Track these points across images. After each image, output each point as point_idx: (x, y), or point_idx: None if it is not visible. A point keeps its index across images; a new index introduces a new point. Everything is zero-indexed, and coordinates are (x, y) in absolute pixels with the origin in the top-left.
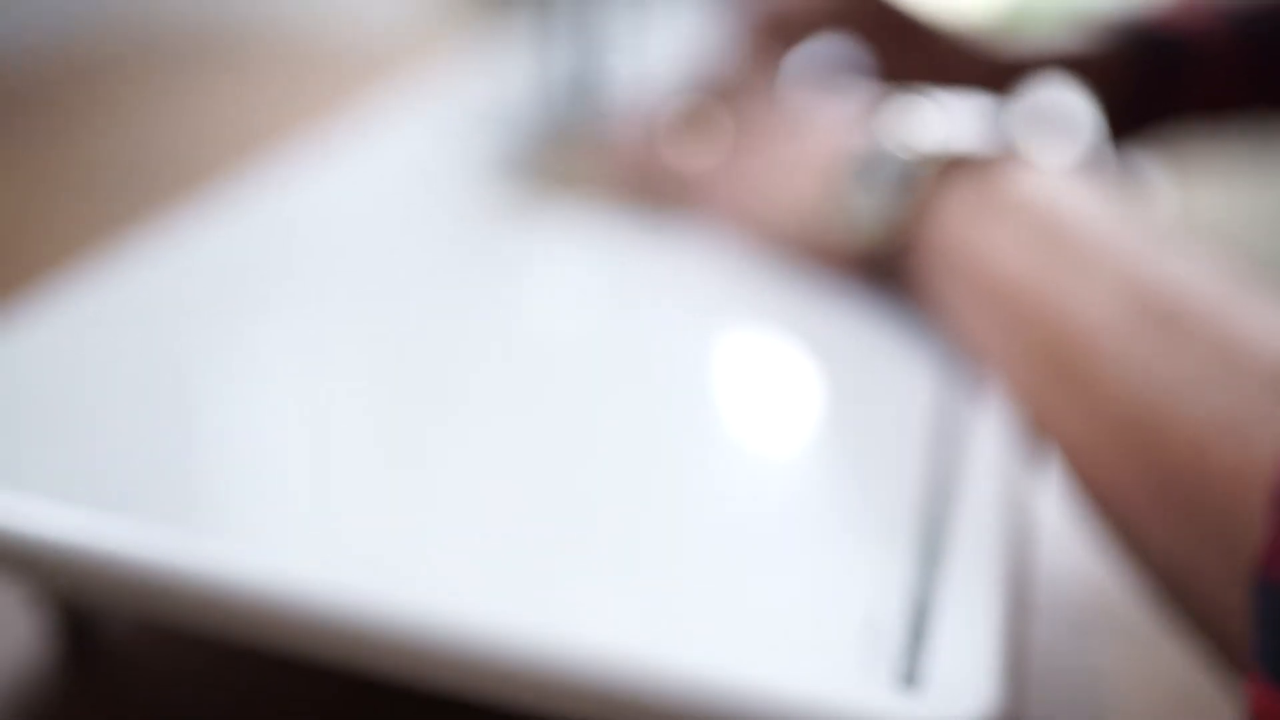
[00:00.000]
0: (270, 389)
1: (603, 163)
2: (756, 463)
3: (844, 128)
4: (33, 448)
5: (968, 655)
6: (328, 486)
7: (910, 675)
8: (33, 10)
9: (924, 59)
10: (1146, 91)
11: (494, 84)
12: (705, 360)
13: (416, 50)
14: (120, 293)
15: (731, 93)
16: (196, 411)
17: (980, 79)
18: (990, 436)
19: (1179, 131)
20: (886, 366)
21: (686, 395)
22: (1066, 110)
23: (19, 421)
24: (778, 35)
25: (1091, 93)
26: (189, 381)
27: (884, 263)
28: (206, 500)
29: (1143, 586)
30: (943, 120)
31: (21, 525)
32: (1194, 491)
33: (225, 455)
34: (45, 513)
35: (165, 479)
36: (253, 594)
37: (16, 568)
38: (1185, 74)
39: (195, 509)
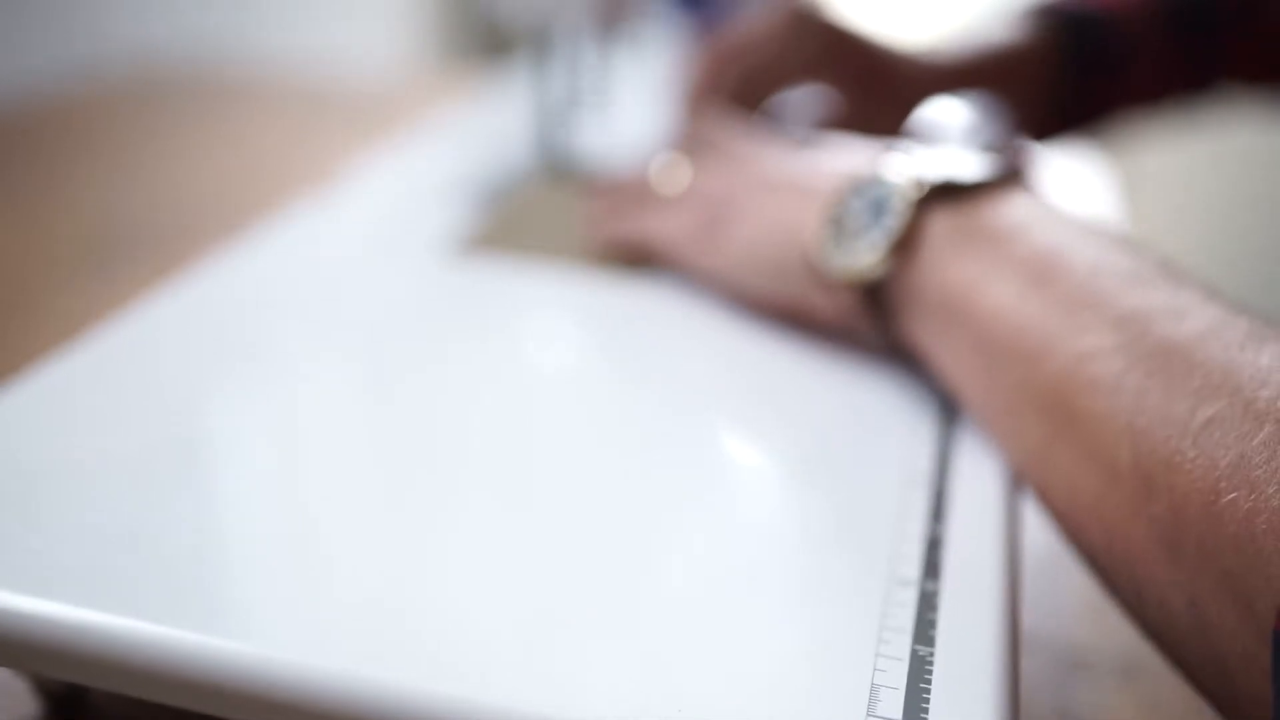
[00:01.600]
0: (259, 470)
1: (581, 220)
2: (750, 529)
3: (819, 169)
4: (11, 536)
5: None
6: (320, 570)
7: None
8: (21, 52)
9: (886, 88)
10: (1079, 70)
11: (483, 129)
12: (697, 427)
13: (412, 91)
14: (106, 369)
15: (701, 148)
16: (182, 495)
17: (933, 87)
18: (980, 485)
19: (1118, 123)
20: (876, 424)
21: (678, 465)
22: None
23: None
24: (751, 88)
25: (1025, 82)
26: (174, 463)
27: (866, 301)
28: (199, 589)
29: (1148, 637)
30: (923, 152)
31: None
32: (1205, 538)
33: (213, 540)
34: (28, 606)
35: (155, 568)
36: (245, 682)
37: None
38: (1113, 50)
39: (189, 598)
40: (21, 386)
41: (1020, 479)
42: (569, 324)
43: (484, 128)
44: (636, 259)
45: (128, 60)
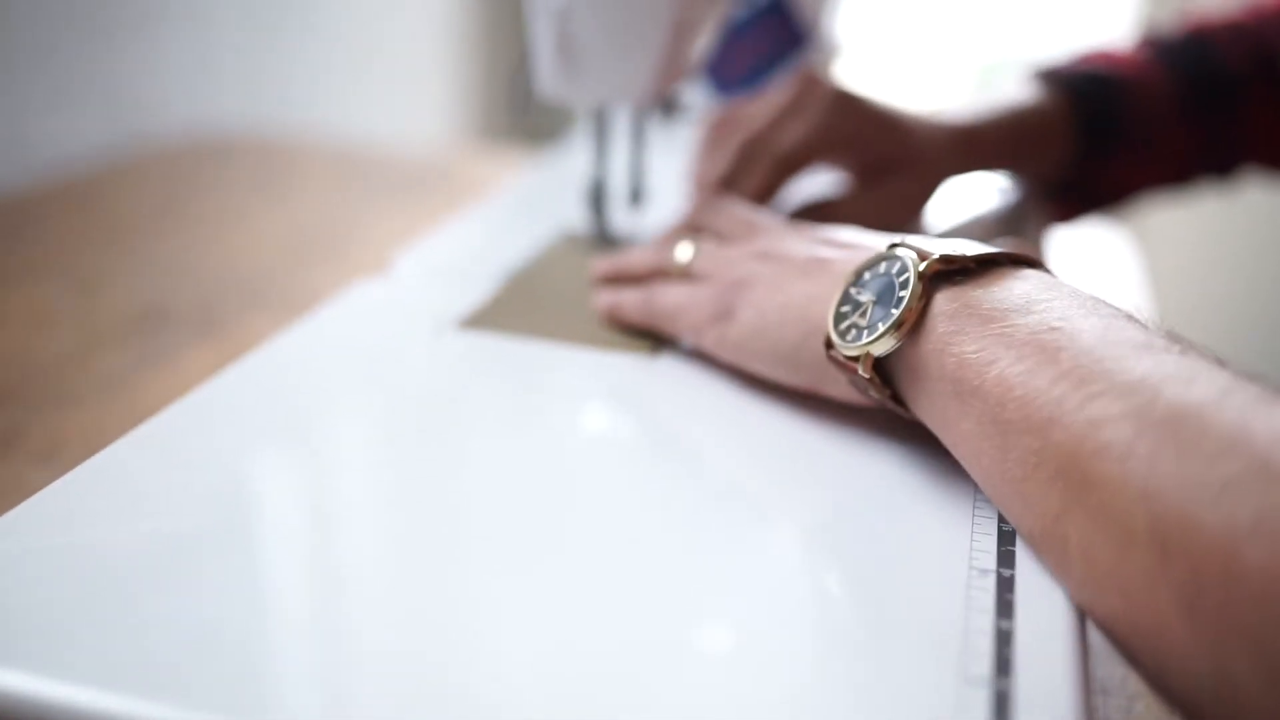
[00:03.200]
0: (306, 556)
1: (593, 298)
2: (808, 622)
3: (829, 251)
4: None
5: None
6: (353, 657)
7: None
8: (78, 119)
9: (903, 156)
10: (1092, 130)
11: (528, 206)
12: (745, 510)
13: (459, 165)
14: (159, 452)
15: (712, 230)
16: (233, 581)
17: (949, 153)
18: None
19: (1138, 201)
20: (932, 507)
21: (728, 551)
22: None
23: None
24: (777, 169)
25: (1040, 142)
26: (225, 547)
27: (877, 379)
28: (235, 680)
29: (1172, 706)
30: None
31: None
32: (1228, 599)
33: (242, 629)
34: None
35: (218, 660)
36: None
37: None
38: (1126, 107)
39: (225, 690)
40: (79, 471)
41: (1034, 550)
42: (598, 401)
43: (530, 205)
44: (649, 335)
45: (182, 131)
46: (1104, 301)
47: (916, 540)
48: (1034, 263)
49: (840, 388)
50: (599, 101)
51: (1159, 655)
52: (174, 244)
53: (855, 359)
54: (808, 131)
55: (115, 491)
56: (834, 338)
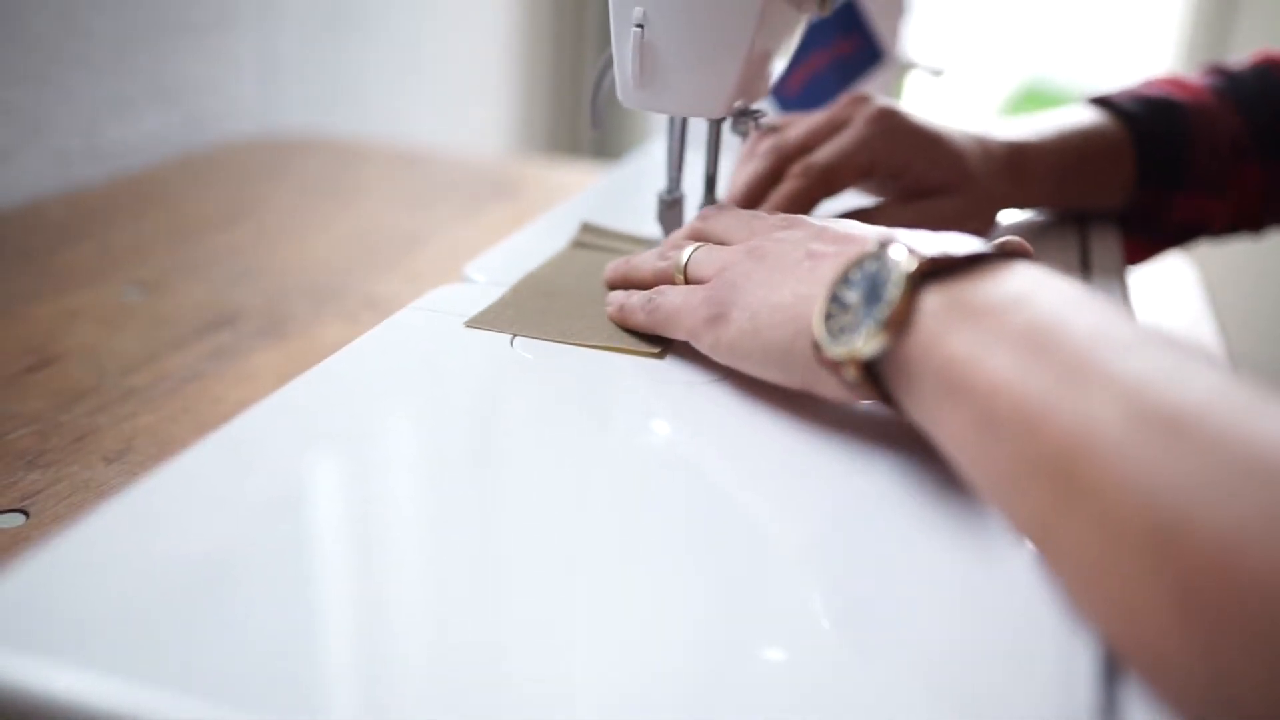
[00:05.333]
0: (383, 567)
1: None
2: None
3: (822, 252)
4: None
5: None
6: (409, 671)
7: None
8: (152, 117)
9: (948, 179)
10: (1155, 159)
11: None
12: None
13: (524, 175)
14: (231, 462)
15: (713, 234)
16: (283, 600)
17: (1000, 176)
18: None
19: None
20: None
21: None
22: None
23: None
24: (810, 182)
25: (1099, 167)
26: (300, 557)
27: (868, 379)
28: (294, 688)
29: (1171, 706)
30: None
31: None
32: (1227, 604)
33: (304, 641)
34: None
35: (254, 670)
36: None
37: None
38: (1192, 138)
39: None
40: (151, 479)
41: (1028, 547)
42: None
43: (602, 215)
44: (658, 338)
45: (251, 133)
46: (1094, 297)
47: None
48: (1024, 256)
49: (832, 388)
50: (677, 112)
51: (1153, 656)
52: (243, 245)
53: (844, 360)
54: (845, 146)
55: (186, 499)
56: (822, 339)
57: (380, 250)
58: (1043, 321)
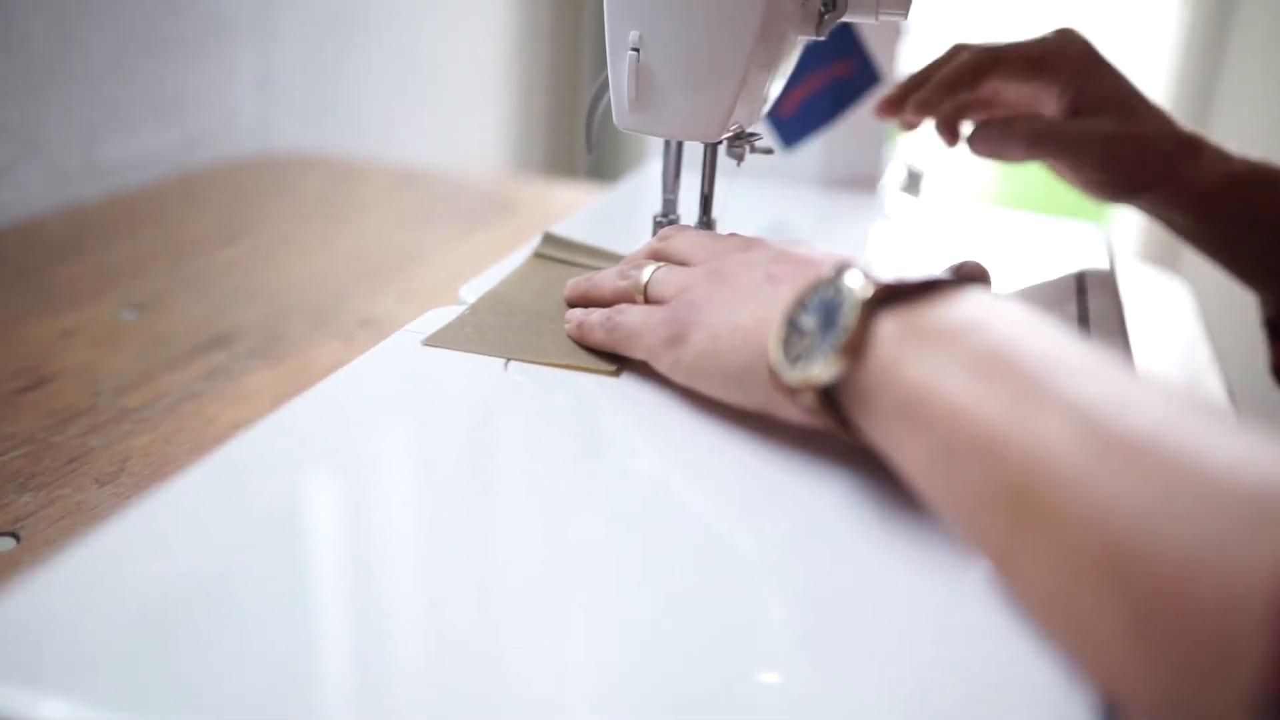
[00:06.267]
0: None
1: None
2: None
3: (780, 276)
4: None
5: None
6: (405, 698)
7: None
8: (151, 133)
9: (1116, 100)
10: None
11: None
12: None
13: (521, 195)
14: (227, 485)
15: (674, 254)
16: (277, 625)
17: (1168, 136)
18: None
19: None
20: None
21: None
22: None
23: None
24: (975, 61)
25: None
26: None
27: (826, 405)
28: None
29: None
30: (890, 251)
31: None
32: (1181, 626)
33: (298, 669)
34: None
35: (251, 697)
36: None
37: None
38: None
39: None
40: (145, 502)
41: (994, 578)
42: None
43: (596, 238)
44: (615, 356)
45: (247, 151)
46: (1048, 321)
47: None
48: (980, 280)
49: (790, 411)
50: (672, 135)
51: (1114, 680)
52: (239, 263)
53: (800, 386)
54: (1022, 40)
55: (179, 522)
56: (779, 365)
57: (376, 269)
58: (997, 346)
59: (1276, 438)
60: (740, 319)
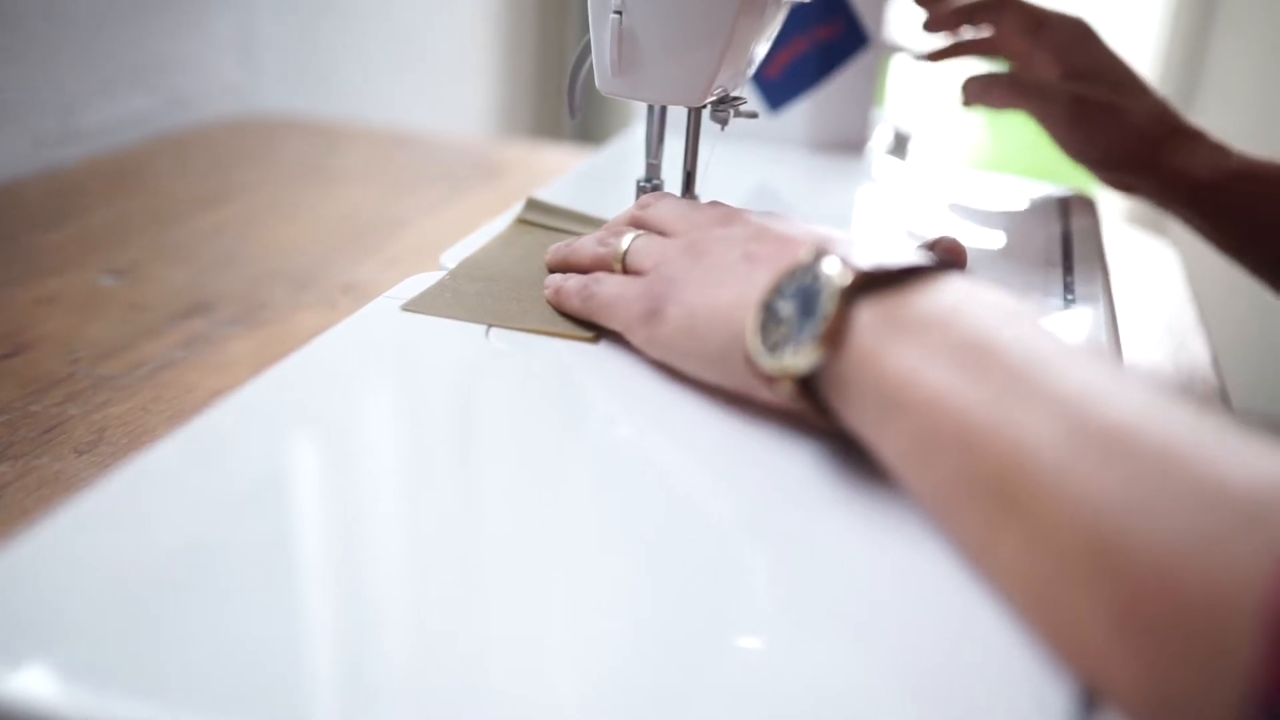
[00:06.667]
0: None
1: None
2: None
3: (760, 257)
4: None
5: None
6: (386, 670)
7: None
8: (128, 97)
9: (1105, 71)
10: None
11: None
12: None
13: (507, 158)
14: (206, 456)
15: (656, 224)
16: (256, 598)
17: (1162, 115)
18: None
19: None
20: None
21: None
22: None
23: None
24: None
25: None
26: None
27: (805, 393)
28: (268, 690)
29: (1113, 711)
30: (855, 240)
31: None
32: (1167, 620)
33: (278, 641)
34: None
35: (228, 672)
36: None
37: None
38: None
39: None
40: (123, 472)
41: (968, 563)
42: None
43: (581, 202)
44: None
45: (228, 114)
46: (1030, 308)
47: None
48: (957, 260)
49: (769, 394)
50: (656, 100)
51: (1096, 672)
52: (221, 229)
53: (778, 376)
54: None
55: (158, 493)
56: (756, 353)
57: (360, 234)
58: (977, 336)
59: (1261, 432)
60: (718, 299)
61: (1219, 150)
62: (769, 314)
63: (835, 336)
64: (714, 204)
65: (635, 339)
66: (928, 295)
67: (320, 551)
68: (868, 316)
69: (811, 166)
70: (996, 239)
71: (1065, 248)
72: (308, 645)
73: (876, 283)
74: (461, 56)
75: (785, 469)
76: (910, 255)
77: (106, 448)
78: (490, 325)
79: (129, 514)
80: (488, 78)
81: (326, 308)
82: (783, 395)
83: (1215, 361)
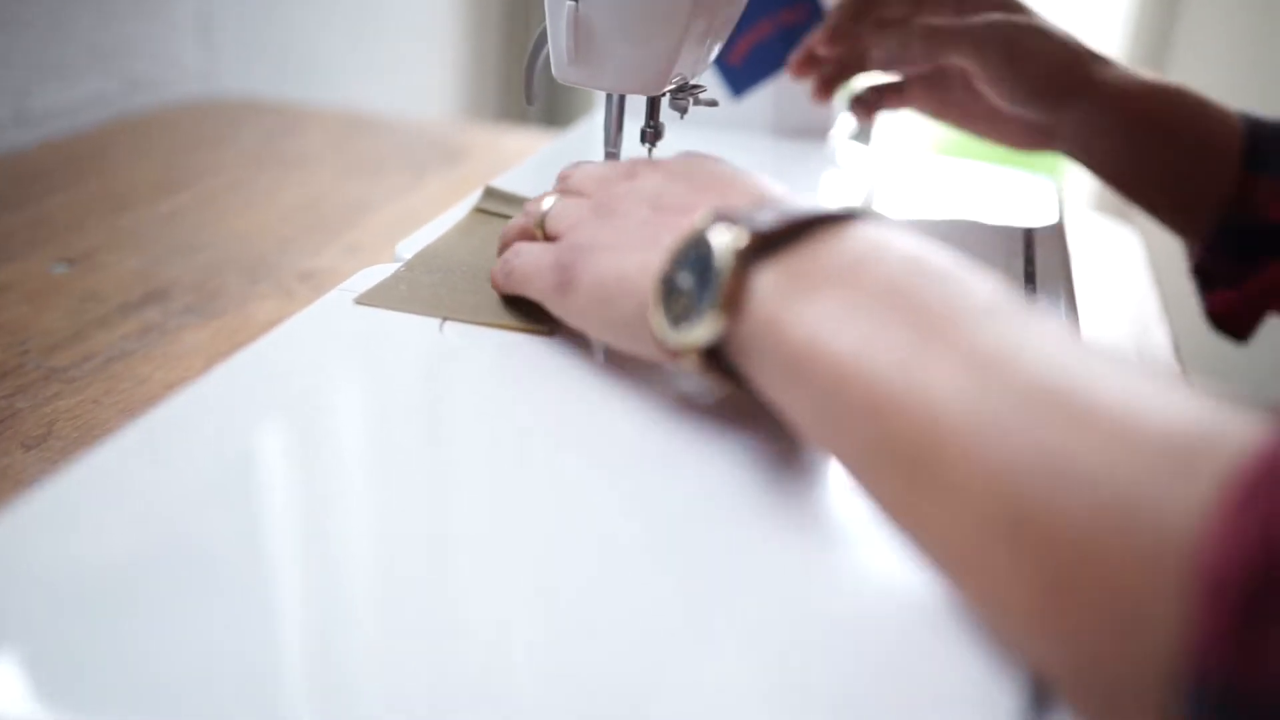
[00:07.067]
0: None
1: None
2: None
3: (666, 221)
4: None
5: None
6: (353, 665)
7: None
8: (83, 80)
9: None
10: (1262, 133)
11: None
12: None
13: (469, 143)
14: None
15: (576, 189)
16: (214, 598)
17: (1064, 43)
18: None
19: None
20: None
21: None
22: None
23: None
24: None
25: (1192, 117)
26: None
27: (713, 363)
28: (234, 692)
29: (1041, 674)
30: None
31: None
32: (1091, 584)
33: (238, 642)
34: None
35: (192, 676)
36: None
37: None
38: None
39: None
40: (75, 469)
41: (901, 538)
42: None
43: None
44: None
45: (185, 97)
46: (940, 253)
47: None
48: (861, 215)
49: (681, 369)
50: (613, 89)
51: (1021, 635)
52: (179, 215)
53: (683, 350)
54: None
55: (110, 491)
56: (660, 330)
57: (321, 220)
58: (886, 293)
59: (1183, 381)
60: (625, 266)
61: (1130, 69)
62: (669, 287)
63: (733, 304)
64: (631, 159)
65: (553, 310)
66: (832, 249)
67: (278, 550)
68: (767, 279)
69: (775, 152)
70: (958, 225)
71: (1027, 234)
72: (266, 649)
73: (774, 242)
74: (425, 37)
75: (724, 466)
76: (813, 205)
77: (56, 442)
78: (445, 319)
79: (77, 513)
80: (452, 58)
81: (284, 296)
82: (690, 368)
83: (1177, 348)
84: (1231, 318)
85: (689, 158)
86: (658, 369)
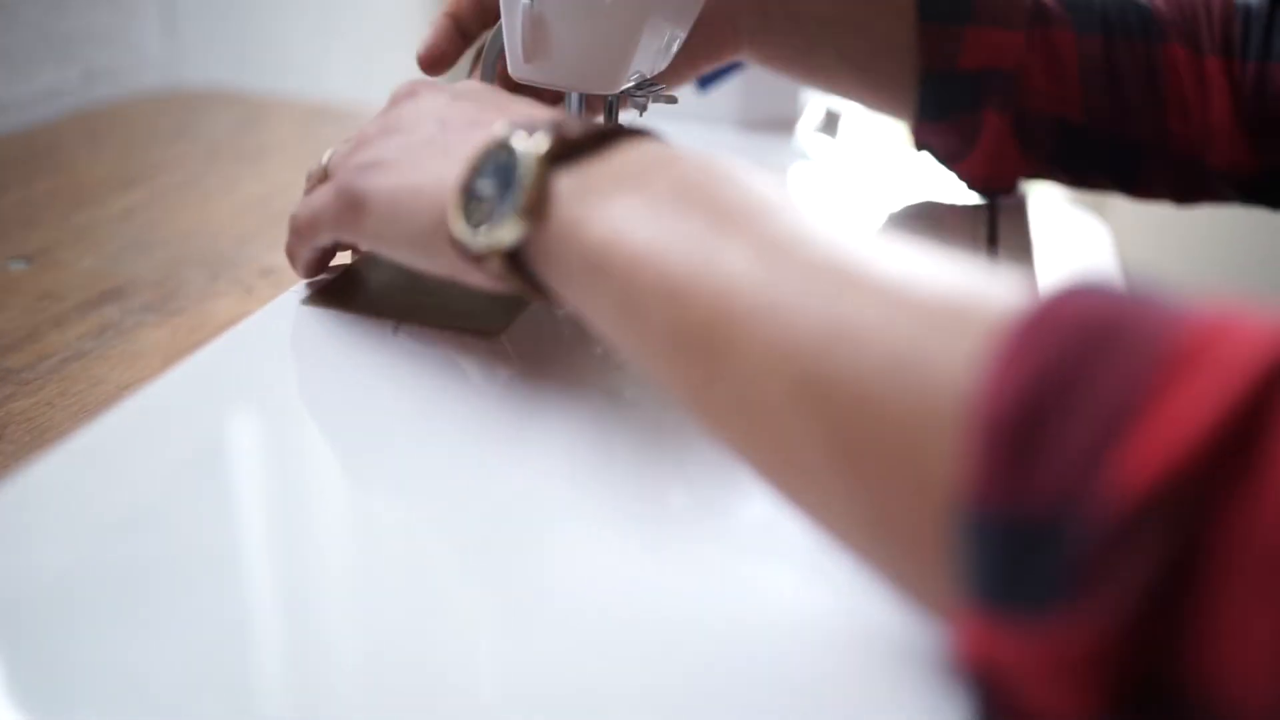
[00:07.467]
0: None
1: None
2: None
3: (463, 129)
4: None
5: None
6: (325, 667)
7: None
8: (43, 72)
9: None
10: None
11: None
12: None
13: None
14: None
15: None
16: (169, 610)
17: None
18: None
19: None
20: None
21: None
22: None
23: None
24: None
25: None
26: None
27: (515, 270)
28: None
29: (839, 547)
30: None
31: None
32: (874, 443)
33: (199, 652)
34: None
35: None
36: None
37: None
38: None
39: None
40: (27, 475)
41: (689, 416)
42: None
43: None
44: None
45: (146, 89)
46: (731, 162)
47: None
48: (657, 133)
49: (478, 277)
50: (569, 87)
51: (815, 504)
52: (139, 210)
53: (485, 254)
54: None
55: (62, 498)
56: (462, 235)
57: (282, 214)
58: (681, 189)
59: (954, 255)
60: (418, 178)
61: None
62: (469, 195)
63: (536, 208)
64: (411, 80)
65: (348, 238)
66: (629, 156)
67: (238, 552)
68: (568, 183)
69: (742, 146)
70: (923, 216)
71: (991, 225)
72: (224, 651)
73: (576, 150)
74: (394, 25)
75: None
76: (609, 124)
77: (8, 446)
78: (398, 322)
79: (30, 520)
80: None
81: (243, 293)
82: (493, 274)
83: None
84: (994, 178)
85: (468, 83)
86: (605, 371)
